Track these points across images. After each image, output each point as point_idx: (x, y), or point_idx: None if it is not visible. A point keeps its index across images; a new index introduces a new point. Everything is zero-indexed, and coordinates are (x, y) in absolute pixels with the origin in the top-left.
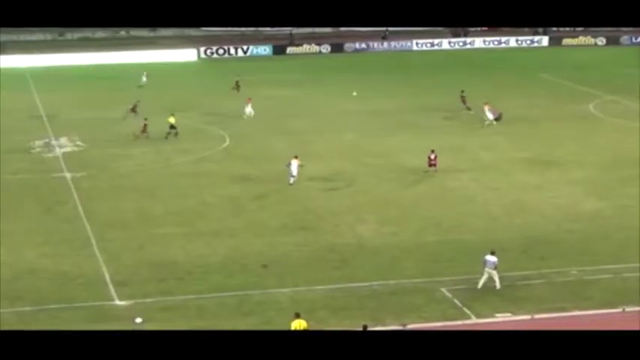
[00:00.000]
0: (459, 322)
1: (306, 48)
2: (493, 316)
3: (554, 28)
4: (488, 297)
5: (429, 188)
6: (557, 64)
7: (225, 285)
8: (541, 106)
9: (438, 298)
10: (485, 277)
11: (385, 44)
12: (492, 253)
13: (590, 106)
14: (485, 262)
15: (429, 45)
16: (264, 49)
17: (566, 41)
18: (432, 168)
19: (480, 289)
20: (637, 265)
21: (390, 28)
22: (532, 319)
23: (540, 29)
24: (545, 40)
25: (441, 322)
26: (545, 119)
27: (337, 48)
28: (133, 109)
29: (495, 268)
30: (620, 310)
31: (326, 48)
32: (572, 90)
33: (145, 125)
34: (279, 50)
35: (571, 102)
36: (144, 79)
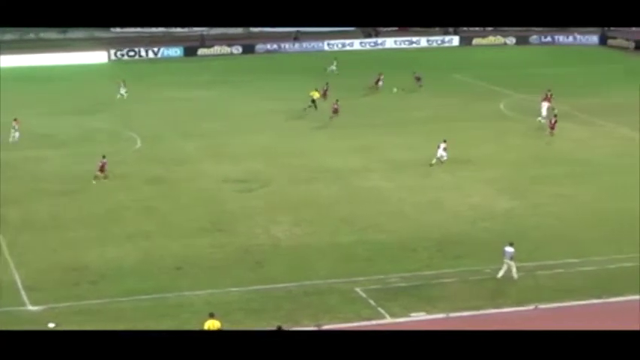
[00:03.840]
0: (374, 322)
1: (217, 49)
2: (408, 316)
3: (464, 28)
4: (403, 296)
5: (343, 188)
6: (468, 63)
7: (140, 288)
8: (453, 105)
9: (352, 298)
10: (504, 268)
11: (297, 45)
12: (511, 245)
13: (501, 105)
14: (504, 253)
15: (340, 45)
16: (175, 51)
17: (476, 41)
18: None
19: (394, 287)
20: (549, 262)
21: (302, 29)
22: (447, 317)
23: (451, 29)
24: (455, 40)
25: (356, 322)
26: (458, 119)
27: (248, 49)
28: None
29: (512, 259)
30: (532, 307)
31: (237, 49)
32: (484, 89)
33: None
34: (190, 52)
35: (482, 101)
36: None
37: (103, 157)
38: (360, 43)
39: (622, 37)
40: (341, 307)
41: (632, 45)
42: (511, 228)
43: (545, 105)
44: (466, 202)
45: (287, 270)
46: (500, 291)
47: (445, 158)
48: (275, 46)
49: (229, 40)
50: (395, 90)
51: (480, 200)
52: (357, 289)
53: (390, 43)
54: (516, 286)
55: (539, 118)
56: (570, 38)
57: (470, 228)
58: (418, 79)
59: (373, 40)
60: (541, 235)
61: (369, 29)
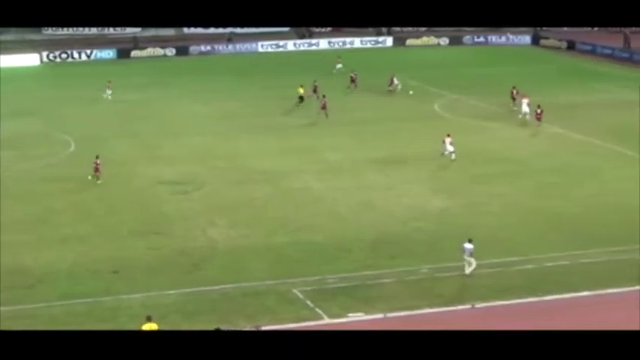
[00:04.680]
0: (313, 323)
1: (150, 51)
2: (346, 316)
3: (398, 29)
4: (340, 297)
5: (278, 190)
6: (402, 64)
7: (76, 292)
8: (388, 106)
9: (290, 299)
10: (467, 264)
11: (230, 46)
12: (470, 241)
13: (436, 106)
14: (463, 250)
15: (274, 47)
16: (108, 53)
17: (410, 41)
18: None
19: (331, 288)
20: (486, 261)
21: (235, 31)
22: (384, 317)
23: (384, 30)
24: (389, 41)
25: (294, 323)
26: (392, 119)
27: (182, 51)
28: None
29: (471, 255)
30: (469, 306)
31: (171, 51)
32: (418, 90)
33: None
34: (123, 54)
35: (417, 102)
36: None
37: (97, 157)
38: (294, 44)
39: (554, 37)
40: (279, 308)
41: (564, 45)
42: (446, 227)
43: (524, 101)
44: (401, 202)
45: (224, 272)
46: (437, 291)
47: (451, 151)
48: (209, 47)
49: (162, 42)
50: (411, 92)
51: (414, 200)
52: (295, 290)
53: (323, 44)
54: (454, 286)
55: (520, 115)
56: (503, 38)
57: (404, 228)
58: (353, 79)
59: (307, 41)
60: (477, 234)
61: (303, 30)
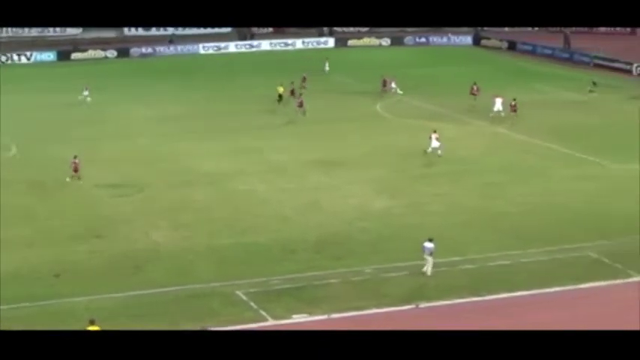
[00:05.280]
0: (256, 325)
1: (91, 53)
2: (290, 318)
3: (340, 30)
4: (284, 298)
5: (221, 191)
6: (344, 65)
7: (18, 296)
8: (331, 107)
9: (234, 301)
10: (427, 263)
11: (172, 48)
12: (430, 240)
13: (378, 107)
14: (423, 249)
15: (215, 48)
16: (48, 55)
17: (351, 42)
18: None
19: (275, 290)
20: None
21: (177, 32)
22: (329, 318)
23: (326, 30)
24: (331, 42)
25: (238, 324)
26: (336, 120)
27: (123, 53)
28: None
29: (431, 255)
30: (413, 306)
31: (112, 53)
32: (360, 90)
33: None
34: (63, 56)
35: (359, 102)
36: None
37: (75, 157)
38: (236, 45)
39: (495, 37)
40: (223, 310)
41: (505, 45)
42: (391, 228)
43: (498, 100)
44: (344, 203)
45: (167, 274)
46: (382, 291)
47: (436, 147)
48: (150, 49)
49: (103, 44)
50: (396, 91)
51: (358, 200)
52: (238, 292)
53: (265, 45)
54: (399, 286)
55: (493, 114)
56: (444, 39)
57: (349, 228)
58: (304, 79)
59: (248, 42)
60: (421, 234)
61: (245, 31)
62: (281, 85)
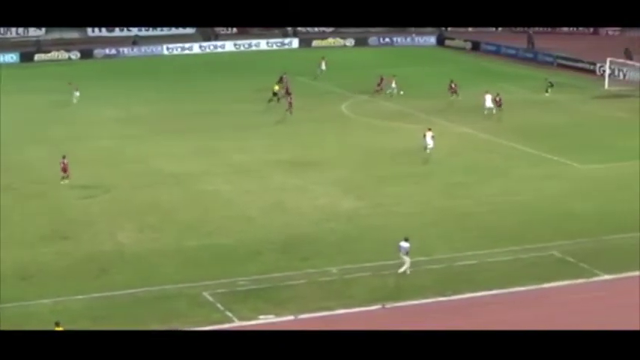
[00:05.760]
0: (223, 326)
1: (54, 55)
2: (256, 319)
3: (304, 30)
4: (251, 300)
5: (187, 193)
6: (308, 65)
7: None
8: (296, 107)
9: (200, 303)
10: (404, 262)
11: (135, 49)
12: (406, 240)
13: (343, 107)
14: (399, 248)
15: (179, 49)
16: (11, 57)
17: (315, 43)
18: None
19: (242, 291)
20: (394, 262)
21: (140, 33)
22: (295, 319)
23: (290, 31)
24: (295, 42)
25: (205, 326)
26: (301, 121)
27: (87, 54)
28: None
29: (407, 254)
30: (380, 306)
31: (75, 54)
32: (325, 91)
33: None
34: (26, 57)
35: (324, 103)
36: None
37: (64, 157)
38: (200, 46)
39: (459, 37)
40: (189, 311)
41: (469, 46)
42: (357, 228)
43: (489, 97)
44: (310, 204)
45: (133, 276)
46: (348, 291)
47: (431, 146)
48: (114, 50)
49: (67, 45)
50: (399, 92)
51: (324, 201)
52: (205, 294)
53: (229, 46)
54: (365, 286)
55: (486, 111)
56: (408, 39)
57: (315, 229)
58: (281, 80)
59: (213, 43)
60: (387, 234)
61: (209, 32)
62: (277, 84)
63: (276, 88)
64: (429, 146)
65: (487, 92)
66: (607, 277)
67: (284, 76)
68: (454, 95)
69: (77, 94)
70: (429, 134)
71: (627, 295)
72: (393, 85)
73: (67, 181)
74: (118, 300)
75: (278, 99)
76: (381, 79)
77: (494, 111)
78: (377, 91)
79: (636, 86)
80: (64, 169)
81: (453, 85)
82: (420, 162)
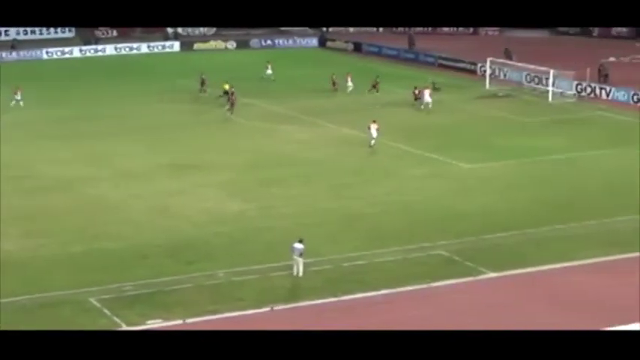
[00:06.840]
0: (110, 331)
1: None
2: (144, 324)
3: (185, 34)
4: (138, 304)
5: (73, 198)
6: (191, 68)
7: None
8: (180, 111)
9: (87, 309)
10: (296, 264)
11: (14, 54)
12: (300, 241)
13: (226, 110)
14: (292, 250)
15: (59, 53)
16: None
17: (197, 46)
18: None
19: (129, 296)
20: (283, 263)
21: (19, 37)
22: (184, 323)
23: (171, 34)
24: (176, 46)
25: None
26: (186, 125)
27: None
28: None
29: (301, 255)
30: (269, 308)
31: None
32: (209, 94)
33: None
34: None
35: (208, 106)
36: None
37: None
38: (80, 50)
39: (340, 39)
40: (75, 318)
41: (350, 47)
42: (243, 231)
43: (427, 92)
44: (196, 207)
45: (19, 284)
46: (236, 294)
47: (375, 138)
48: None
49: None
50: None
51: (210, 204)
52: (92, 299)
53: (110, 49)
54: (253, 289)
55: (422, 106)
56: (290, 41)
57: (201, 232)
58: (203, 82)
59: (93, 47)
60: (274, 236)
61: (89, 36)
62: (226, 83)
63: (226, 87)
64: (373, 138)
65: (426, 88)
66: (492, 274)
67: (204, 77)
68: (373, 90)
69: (18, 97)
70: (373, 126)
71: (509, 294)
72: (349, 82)
73: None
74: (4, 308)
75: (228, 98)
76: (334, 82)
77: (430, 106)
78: (334, 89)
79: (516, 86)
80: None
81: (376, 83)
82: (307, 164)
